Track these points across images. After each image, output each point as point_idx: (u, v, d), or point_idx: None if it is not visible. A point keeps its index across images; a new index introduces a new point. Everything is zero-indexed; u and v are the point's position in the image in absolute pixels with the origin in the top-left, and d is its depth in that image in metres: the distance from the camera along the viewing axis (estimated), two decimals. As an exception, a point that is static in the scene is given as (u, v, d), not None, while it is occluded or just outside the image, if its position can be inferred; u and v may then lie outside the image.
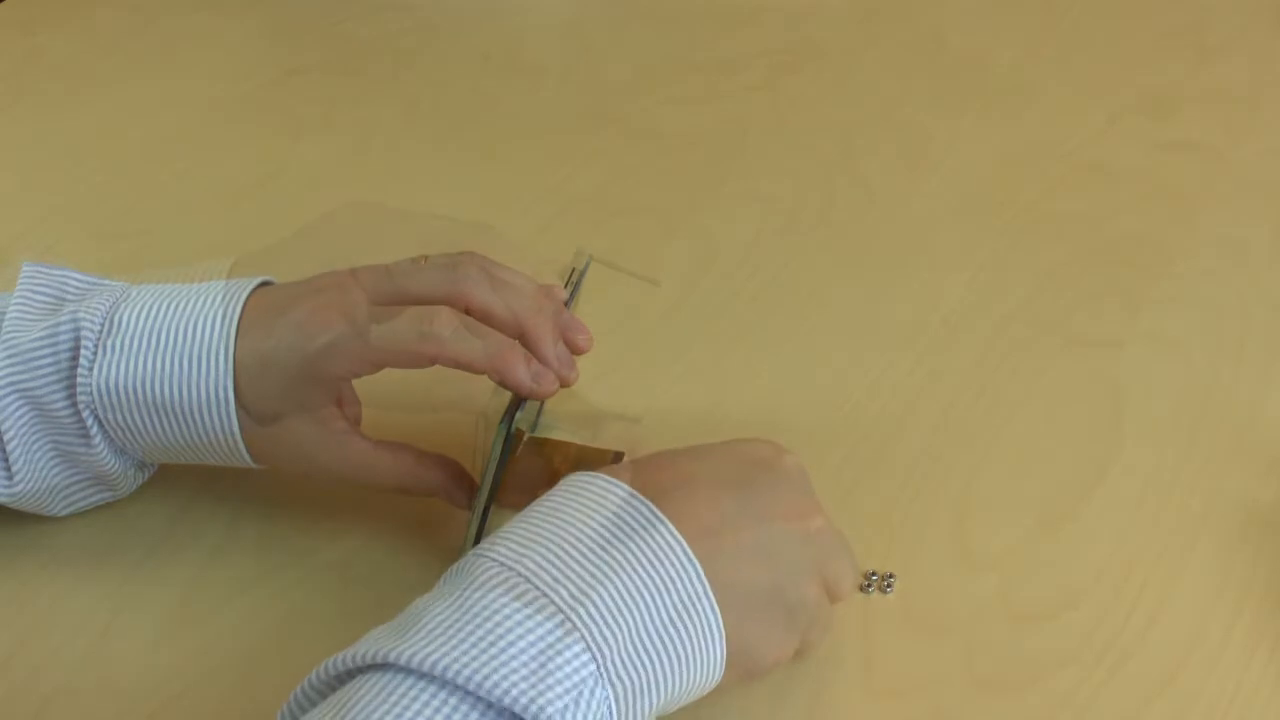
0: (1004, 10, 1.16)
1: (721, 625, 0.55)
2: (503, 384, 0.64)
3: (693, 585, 0.54)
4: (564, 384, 0.65)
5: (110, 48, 1.11)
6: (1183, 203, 0.95)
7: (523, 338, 0.65)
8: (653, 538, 0.54)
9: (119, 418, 0.65)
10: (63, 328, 0.65)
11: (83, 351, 0.64)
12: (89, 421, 0.65)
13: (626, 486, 0.56)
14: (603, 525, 0.55)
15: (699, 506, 0.56)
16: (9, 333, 0.65)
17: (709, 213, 0.94)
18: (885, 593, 0.68)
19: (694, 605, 0.54)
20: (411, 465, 0.67)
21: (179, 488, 0.73)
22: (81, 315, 0.65)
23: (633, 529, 0.55)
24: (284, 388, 0.64)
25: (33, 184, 0.97)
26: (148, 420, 0.65)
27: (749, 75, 1.08)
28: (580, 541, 0.54)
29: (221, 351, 0.64)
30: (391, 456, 0.67)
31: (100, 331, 0.65)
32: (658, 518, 0.55)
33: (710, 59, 1.10)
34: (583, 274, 0.71)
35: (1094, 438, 0.77)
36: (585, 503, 0.56)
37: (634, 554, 0.54)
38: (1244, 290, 0.87)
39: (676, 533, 0.55)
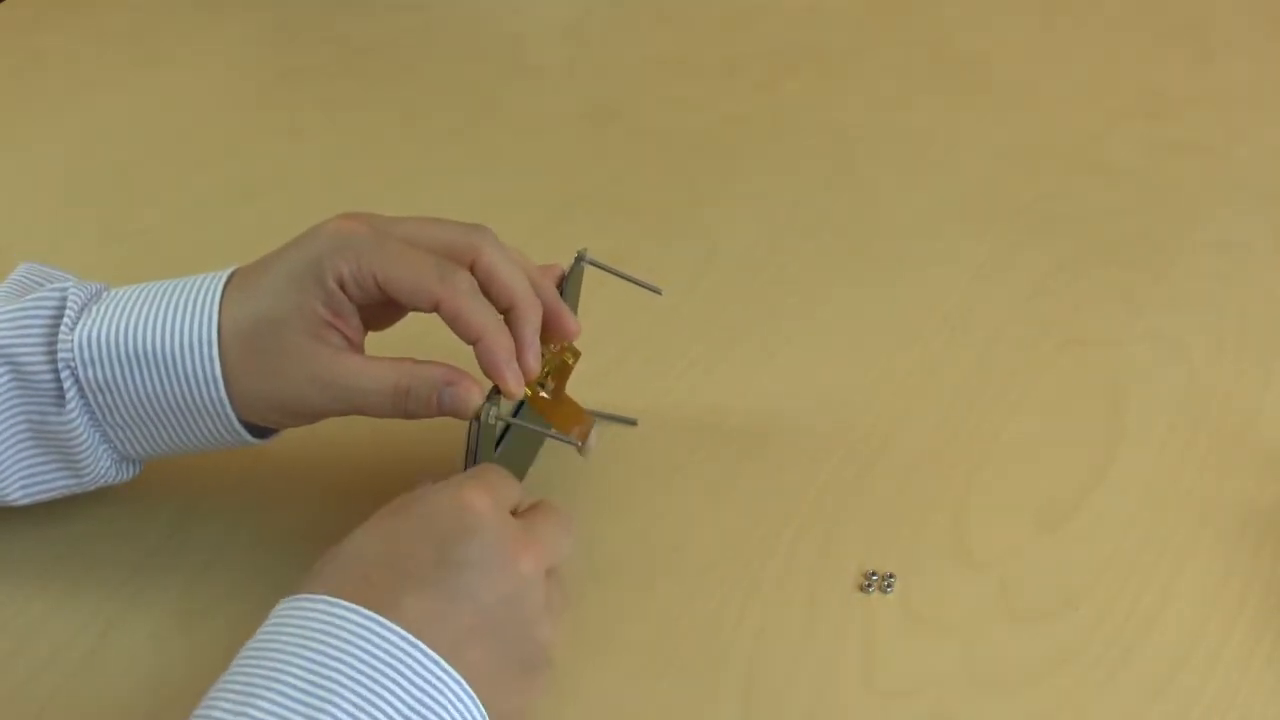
0: (1004, 10, 1.16)
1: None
2: (486, 359, 0.63)
3: (460, 699, 0.53)
4: (526, 373, 0.64)
5: (110, 48, 1.11)
6: (1183, 203, 0.95)
7: (511, 311, 0.64)
8: (411, 668, 0.53)
9: (97, 373, 0.64)
10: (49, 296, 0.65)
11: (67, 314, 0.64)
12: (66, 383, 0.64)
13: (374, 617, 0.53)
14: (361, 662, 0.52)
15: (419, 615, 0.54)
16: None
17: (709, 213, 0.94)
18: (885, 593, 0.68)
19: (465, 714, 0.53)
20: (411, 366, 0.64)
21: (178, 490, 0.73)
22: (70, 287, 0.66)
23: (396, 663, 0.52)
24: (279, 286, 0.63)
25: (33, 184, 0.97)
26: (127, 373, 0.64)
27: (749, 75, 1.08)
28: (344, 690, 0.51)
29: (209, 295, 0.64)
30: (390, 363, 0.64)
31: (87, 300, 0.65)
32: (413, 644, 0.53)
33: (710, 59, 1.10)
34: (573, 273, 0.71)
35: (1094, 438, 0.77)
36: (330, 640, 0.53)
37: (404, 691, 0.52)
38: (1244, 290, 0.87)
39: (428, 651, 0.53)
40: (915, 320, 0.85)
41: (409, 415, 0.64)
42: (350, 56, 1.11)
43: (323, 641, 0.52)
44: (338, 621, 0.53)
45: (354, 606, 0.53)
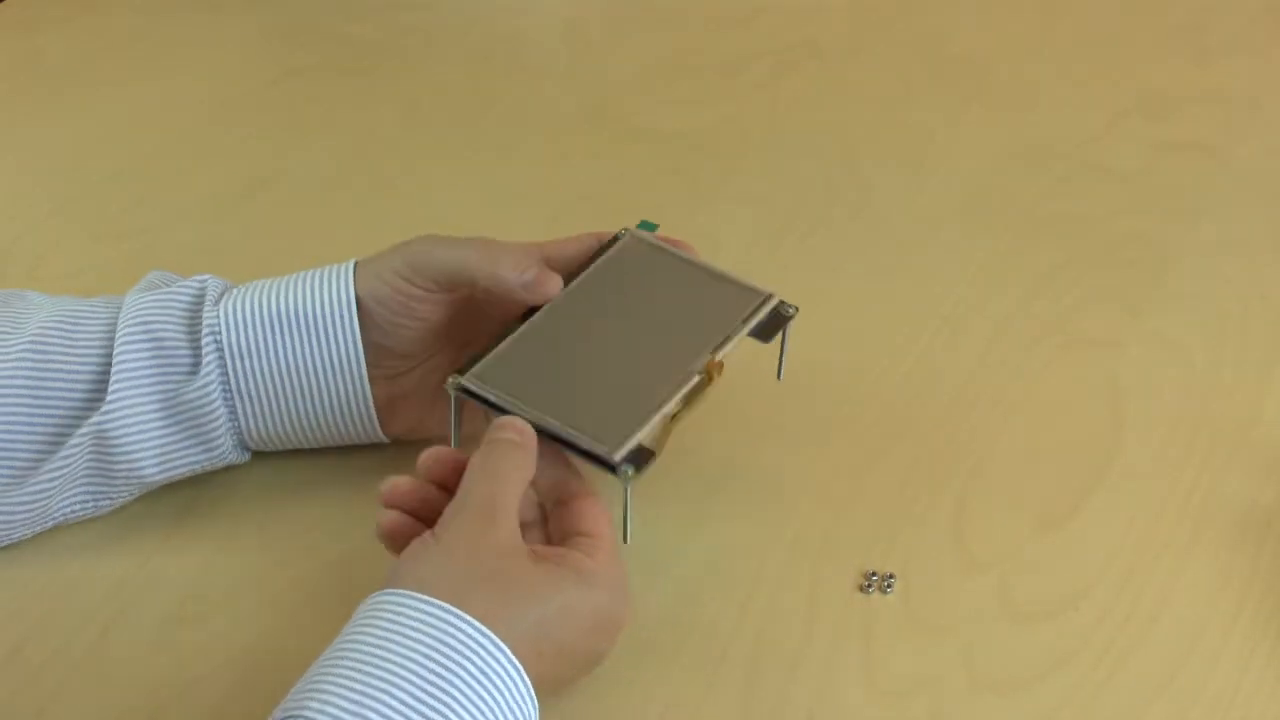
0: (1004, 10, 1.16)
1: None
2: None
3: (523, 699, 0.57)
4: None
5: (110, 48, 1.11)
6: (1183, 203, 0.95)
7: None
8: (485, 662, 0.56)
9: (241, 338, 0.68)
10: (189, 284, 0.71)
11: (208, 296, 0.70)
12: (206, 350, 0.68)
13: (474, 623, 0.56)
14: (430, 658, 0.55)
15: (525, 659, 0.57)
16: (132, 294, 0.71)
17: (709, 213, 0.94)
18: (885, 593, 0.68)
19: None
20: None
21: (179, 489, 0.73)
22: (208, 278, 0.71)
23: (464, 656, 0.55)
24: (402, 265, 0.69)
25: (33, 185, 0.97)
26: (270, 336, 0.68)
27: (749, 75, 1.08)
28: (414, 685, 0.54)
29: (343, 268, 0.70)
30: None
31: (224, 289, 0.71)
32: (486, 637, 0.56)
33: (710, 59, 1.10)
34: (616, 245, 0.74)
35: (1094, 438, 0.77)
36: (408, 633, 0.55)
37: (468, 684, 0.55)
38: (1244, 290, 0.87)
39: (507, 651, 0.56)
40: (915, 320, 0.85)
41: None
42: (350, 56, 1.11)
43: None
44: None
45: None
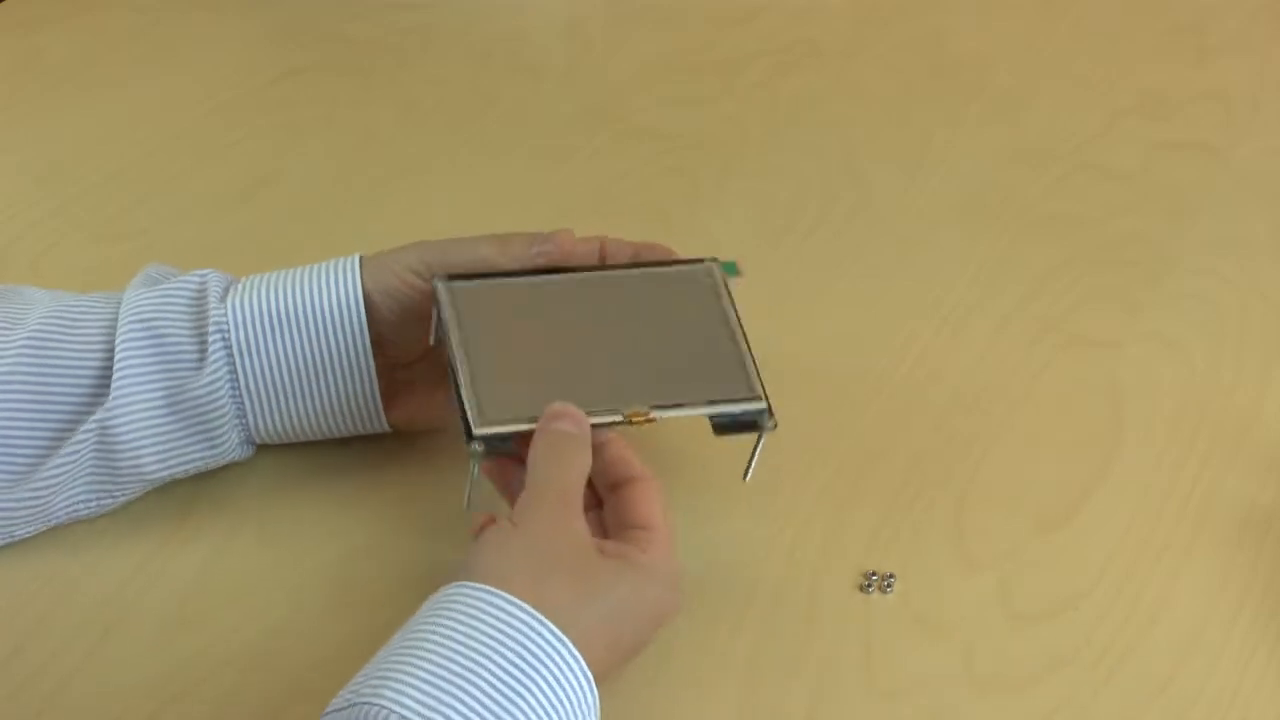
0: (1004, 10, 1.16)
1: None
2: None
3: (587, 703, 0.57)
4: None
5: (110, 48, 1.11)
6: (1182, 203, 0.95)
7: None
8: (560, 670, 0.56)
9: (248, 334, 0.68)
10: (190, 279, 0.70)
11: (211, 291, 0.69)
12: (214, 346, 0.67)
13: (530, 611, 0.56)
14: (509, 661, 0.55)
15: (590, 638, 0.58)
16: (131, 289, 0.70)
17: (709, 213, 0.94)
18: (885, 593, 0.68)
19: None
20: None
21: (180, 489, 0.73)
22: (209, 273, 0.70)
23: (540, 663, 0.56)
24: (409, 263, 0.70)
25: (32, 185, 0.97)
26: (278, 332, 0.68)
27: (749, 75, 1.08)
28: (490, 687, 0.54)
29: (349, 262, 0.70)
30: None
31: (227, 284, 0.70)
32: (564, 645, 0.56)
33: (710, 59, 1.10)
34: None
35: (1094, 438, 0.77)
36: (488, 632, 0.55)
37: (543, 691, 0.55)
38: (1244, 290, 0.87)
39: (581, 661, 0.57)
40: (915, 320, 0.85)
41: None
42: (350, 56, 1.11)
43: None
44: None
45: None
